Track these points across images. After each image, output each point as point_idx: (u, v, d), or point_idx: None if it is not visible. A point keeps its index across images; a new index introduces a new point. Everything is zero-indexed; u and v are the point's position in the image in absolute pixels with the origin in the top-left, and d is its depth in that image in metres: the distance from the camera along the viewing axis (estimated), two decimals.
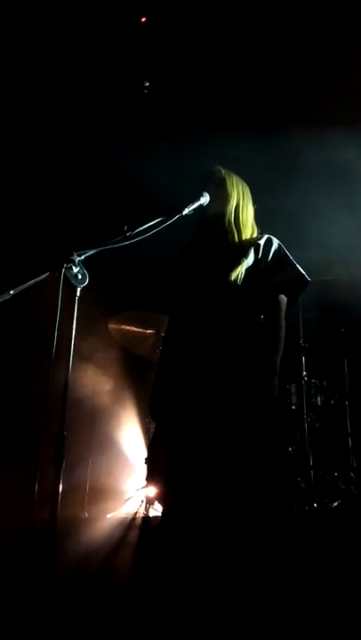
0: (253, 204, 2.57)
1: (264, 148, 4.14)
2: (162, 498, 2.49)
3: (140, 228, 2.11)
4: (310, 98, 4.30)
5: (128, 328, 4.62)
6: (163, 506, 2.50)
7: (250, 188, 2.59)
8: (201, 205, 2.40)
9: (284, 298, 2.44)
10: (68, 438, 1.77)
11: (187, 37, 4.33)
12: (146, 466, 4.09)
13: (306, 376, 4.06)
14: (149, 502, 3.98)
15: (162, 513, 2.46)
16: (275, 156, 4.22)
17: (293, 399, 4.11)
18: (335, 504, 3.73)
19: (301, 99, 4.34)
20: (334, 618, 2.44)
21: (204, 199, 2.41)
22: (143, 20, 4.37)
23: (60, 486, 1.71)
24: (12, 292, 1.76)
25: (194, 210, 2.35)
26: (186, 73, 4.51)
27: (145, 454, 4.19)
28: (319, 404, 4.18)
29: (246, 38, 4.32)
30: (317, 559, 2.74)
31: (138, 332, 4.61)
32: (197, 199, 2.39)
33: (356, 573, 2.61)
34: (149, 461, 4.05)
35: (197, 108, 4.54)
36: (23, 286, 1.79)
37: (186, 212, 2.31)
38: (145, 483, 4.08)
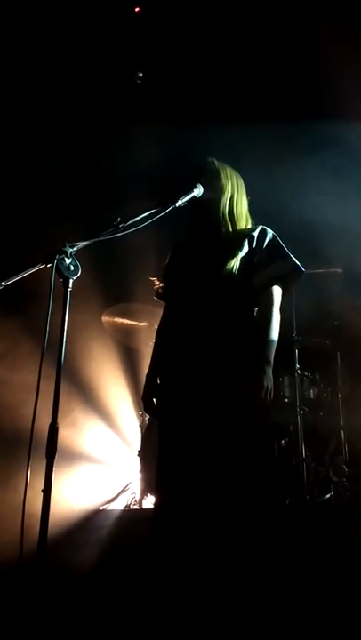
0: (247, 195, 2.56)
1: (260, 135, 4.13)
2: (154, 488, 2.50)
3: (133, 220, 2.10)
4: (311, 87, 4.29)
5: (121, 321, 4.61)
6: (155, 497, 2.50)
7: (244, 179, 2.58)
8: (195, 197, 2.39)
9: (278, 289, 2.42)
10: (60, 430, 1.76)
11: (181, 27, 4.31)
12: (139, 458, 4.09)
13: (299, 369, 4.07)
14: (142, 494, 3.99)
15: (154, 504, 2.46)
16: (270, 143, 4.20)
17: (286, 392, 4.11)
18: (327, 496, 3.75)
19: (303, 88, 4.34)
20: (328, 611, 2.46)
21: (198, 191, 2.40)
22: (137, 9, 4.35)
23: (53, 478, 1.71)
24: (3, 284, 1.75)
25: (187, 201, 2.34)
26: (180, 63, 4.48)
27: (138, 446, 4.18)
28: (312, 396, 4.19)
29: (242, 26, 4.29)
30: (310, 551, 2.75)
31: (131, 324, 4.60)
32: (191, 191, 2.37)
33: (348, 565, 2.63)
34: (142, 453, 4.05)
35: (192, 97, 4.51)
36: (15, 277, 1.78)
37: (179, 203, 2.29)
38: (138, 474, 4.08)
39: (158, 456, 2.35)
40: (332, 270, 4.16)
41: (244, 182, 2.58)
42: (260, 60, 4.39)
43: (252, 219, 2.56)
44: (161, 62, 4.58)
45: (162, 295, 2.63)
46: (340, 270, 4.19)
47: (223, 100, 4.44)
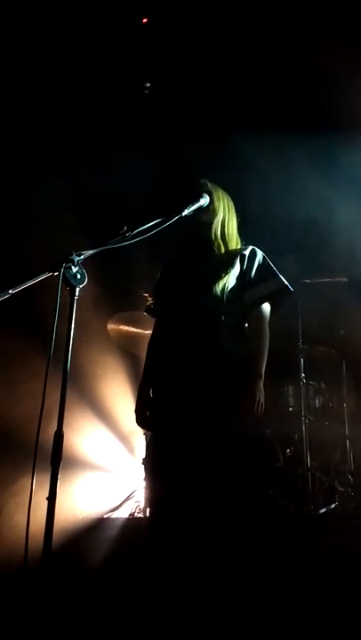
0: (237, 216, 2.63)
1: (265, 146, 4.14)
2: (149, 499, 2.51)
3: (140, 229, 2.12)
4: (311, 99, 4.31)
5: (127, 328, 4.61)
6: (150, 507, 2.51)
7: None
8: (201, 207, 2.43)
9: (267, 307, 2.51)
10: (65, 438, 1.77)
11: (188, 38, 4.34)
12: (143, 466, 4.09)
13: (304, 378, 4.06)
14: (147, 502, 3.98)
15: (149, 514, 2.48)
16: (276, 153, 4.21)
17: (291, 401, 4.11)
18: (332, 506, 3.73)
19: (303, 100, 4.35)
20: (331, 621, 2.44)
21: (204, 200, 2.46)
22: (145, 20, 4.38)
23: (57, 486, 1.71)
24: (10, 292, 1.76)
25: (193, 211, 2.38)
26: (187, 73, 4.50)
27: (143, 454, 4.18)
28: (317, 405, 4.18)
29: (247, 37, 4.32)
30: (314, 561, 2.74)
31: (136, 332, 4.60)
32: (197, 200, 2.42)
33: (351, 576, 2.61)
34: (147, 461, 4.05)
35: (199, 109, 4.53)
36: (22, 286, 1.79)
37: (185, 212, 2.34)
38: (143, 482, 4.07)
39: (152, 468, 2.38)
40: (337, 279, 4.16)
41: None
42: (266, 72, 4.41)
43: (242, 240, 2.62)
44: (167, 73, 4.60)
45: (152, 311, 2.67)
46: (345, 279, 4.19)
47: (229, 112, 4.46)
